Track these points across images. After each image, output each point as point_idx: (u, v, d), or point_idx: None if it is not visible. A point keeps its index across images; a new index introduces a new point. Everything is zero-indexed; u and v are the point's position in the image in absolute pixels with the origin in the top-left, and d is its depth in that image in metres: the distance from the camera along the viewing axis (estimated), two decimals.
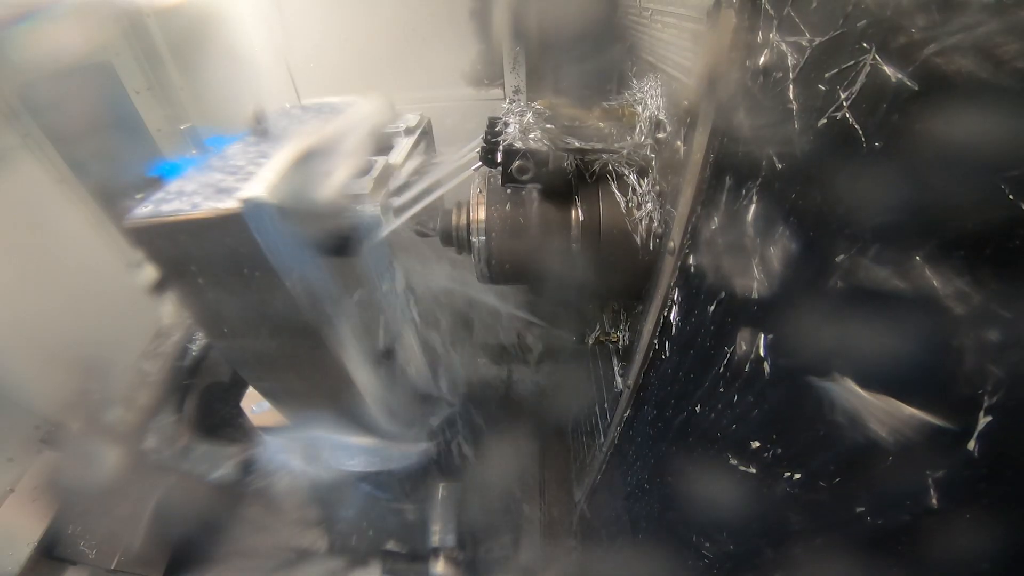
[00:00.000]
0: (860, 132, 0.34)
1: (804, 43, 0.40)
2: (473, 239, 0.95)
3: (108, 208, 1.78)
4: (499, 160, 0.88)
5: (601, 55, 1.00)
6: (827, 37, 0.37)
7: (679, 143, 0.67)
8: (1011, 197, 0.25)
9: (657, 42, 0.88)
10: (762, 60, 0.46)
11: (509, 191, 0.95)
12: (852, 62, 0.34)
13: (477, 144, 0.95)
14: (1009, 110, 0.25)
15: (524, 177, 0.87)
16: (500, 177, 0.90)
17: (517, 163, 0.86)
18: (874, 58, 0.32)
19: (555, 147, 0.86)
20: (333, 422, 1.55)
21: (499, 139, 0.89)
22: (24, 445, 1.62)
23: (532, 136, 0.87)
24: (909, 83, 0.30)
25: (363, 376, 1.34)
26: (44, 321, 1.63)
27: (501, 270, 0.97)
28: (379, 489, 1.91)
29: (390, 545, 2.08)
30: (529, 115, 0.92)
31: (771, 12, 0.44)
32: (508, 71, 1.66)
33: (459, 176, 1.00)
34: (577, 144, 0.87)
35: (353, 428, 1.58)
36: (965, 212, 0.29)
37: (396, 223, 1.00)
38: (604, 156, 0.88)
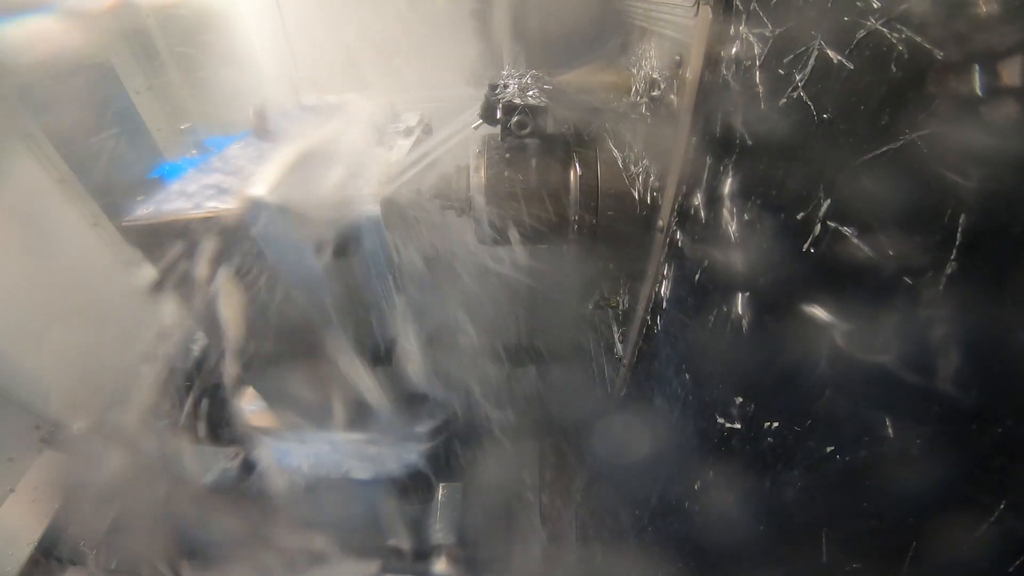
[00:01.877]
0: (812, 107, 0.40)
1: (767, 34, 0.46)
2: (473, 200, 0.96)
3: (108, 208, 1.79)
4: (499, 116, 0.89)
5: (601, 52, 1.03)
6: (784, 28, 0.43)
7: (672, 96, 0.70)
8: (925, 151, 0.32)
9: (650, 6, 0.87)
10: (734, 51, 0.53)
11: (508, 153, 0.96)
12: (804, 48, 0.40)
13: (471, 117, 0.97)
14: (923, 79, 0.32)
15: (523, 131, 0.88)
16: (500, 135, 0.91)
17: (516, 117, 0.88)
18: (820, 44, 0.38)
19: (553, 104, 0.88)
20: (332, 422, 1.57)
21: (499, 97, 0.90)
22: (24, 445, 1.62)
23: (531, 94, 0.89)
24: (847, 63, 0.36)
25: (362, 376, 1.36)
26: (44, 321, 1.63)
27: (501, 230, 0.97)
28: (379, 488, 1.92)
29: (390, 544, 2.09)
30: (528, 77, 0.94)
31: (740, 7, 0.51)
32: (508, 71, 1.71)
33: (457, 137, 1.01)
34: (575, 102, 0.90)
35: (353, 428, 1.60)
36: (896, 165, 0.35)
37: (392, 186, 1.01)
38: (602, 114, 0.90)
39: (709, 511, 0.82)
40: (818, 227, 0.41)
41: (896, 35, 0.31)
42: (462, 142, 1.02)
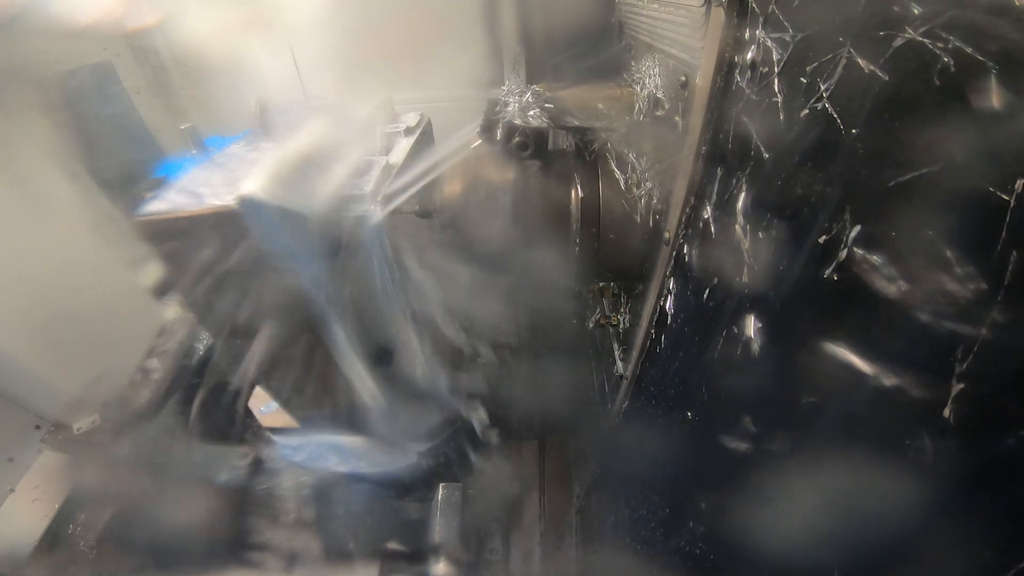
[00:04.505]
0: (839, 120, 0.37)
1: (788, 38, 0.42)
2: (472, 220, 0.96)
3: (110, 206, 1.78)
4: (498, 137, 0.89)
5: (602, 54, 1.01)
6: (808, 32, 0.39)
7: (677, 118, 0.68)
8: (970, 176, 0.28)
9: (654, 21, 0.85)
10: (750, 55, 0.49)
11: (508, 174, 0.94)
12: (830, 55, 0.36)
13: (473, 127, 0.95)
14: (971, 94, 0.28)
15: (524, 153, 0.88)
16: (500, 155, 0.90)
17: (517, 139, 0.87)
18: (849, 51, 0.34)
19: (554, 124, 0.87)
20: (336, 422, 1.56)
21: (499, 116, 0.89)
22: (24, 445, 1.63)
23: (531, 114, 0.88)
24: (880, 74, 0.32)
25: (361, 376, 1.35)
26: (45, 320, 1.63)
27: (500, 249, 0.96)
28: (380, 489, 1.91)
29: (390, 545, 2.08)
30: (528, 95, 0.92)
31: (757, 10, 0.47)
32: (508, 71, 1.69)
33: (456, 156, 1.00)
34: (576, 122, 0.88)
35: (355, 429, 1.59)
36: (935, 190, 0.31)
37: (391, 205, 1.00)
38: (603, 134, 0.89)
39: (712, 534, 0.79)
40: (843, 252, 0.37)
41: (941, 45, 0.27)
42: (462, 160, 1.00)
